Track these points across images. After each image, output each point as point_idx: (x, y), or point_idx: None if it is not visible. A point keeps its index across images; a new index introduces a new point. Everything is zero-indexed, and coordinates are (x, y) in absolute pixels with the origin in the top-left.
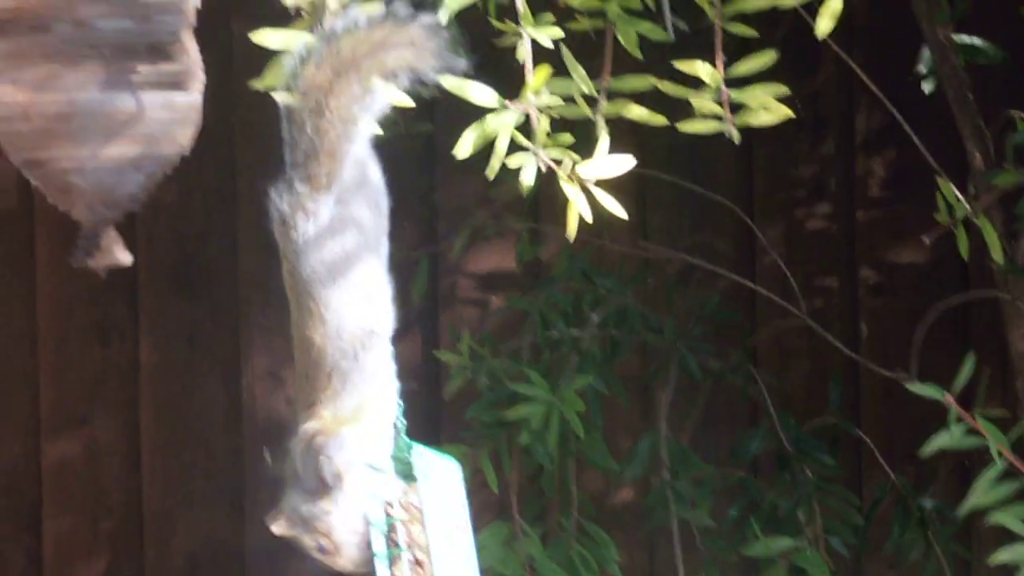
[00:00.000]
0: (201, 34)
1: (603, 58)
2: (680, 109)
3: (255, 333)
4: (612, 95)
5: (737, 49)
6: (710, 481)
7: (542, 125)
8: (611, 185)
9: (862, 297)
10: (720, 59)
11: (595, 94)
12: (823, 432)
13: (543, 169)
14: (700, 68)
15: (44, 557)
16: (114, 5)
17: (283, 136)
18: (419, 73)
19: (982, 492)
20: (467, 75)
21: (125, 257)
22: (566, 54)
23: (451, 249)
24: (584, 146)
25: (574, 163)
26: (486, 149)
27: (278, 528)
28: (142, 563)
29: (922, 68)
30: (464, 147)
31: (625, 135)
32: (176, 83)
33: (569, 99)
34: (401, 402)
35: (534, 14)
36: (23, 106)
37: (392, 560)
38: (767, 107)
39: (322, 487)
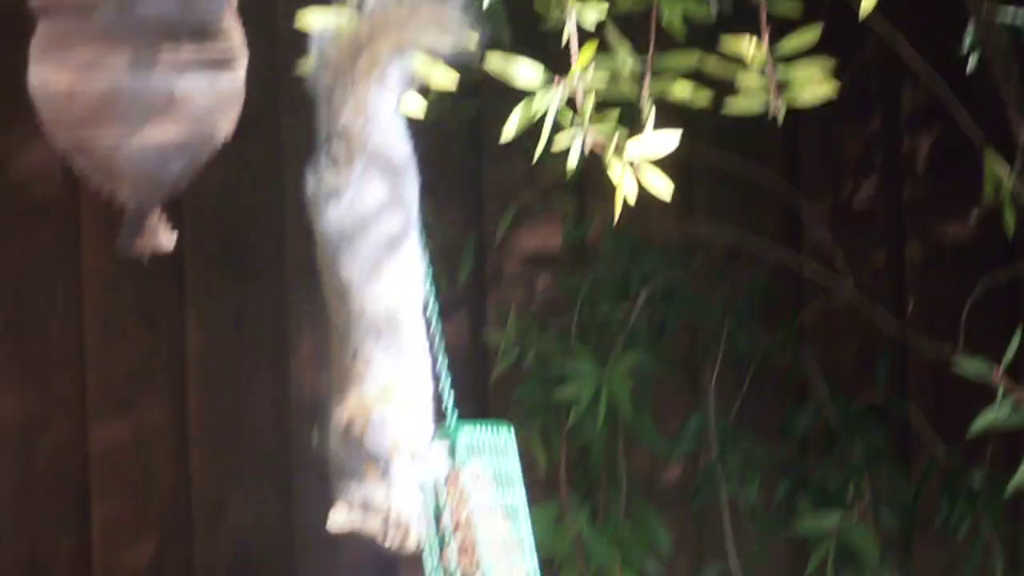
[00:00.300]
0: (246, 16)
1: (647, 37)
2: (726, 87)
3: (302, 316)
4: (657, 73)
5: (778, 31)
6: (758, 458)
7: (588, 103)
8: (657, 162)
9: (909, 273)
10: (766, 36)
11: (641, 72)
12: (871, 408)
13: (589, 148)
14: (746, 45)
15: (92, 541)
16: None
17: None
18: (440, 51)
19: None
20: (510, 53)
21: (170, 241)
22: (611, 30)
23: (497, 229)
24: (629, 127)
25: (620, 142)
26: (532, 128)
27: (339, 523)
28: (191, 547)
29: (967, 44)
30: (510, 128)
31: (670, 113)
32: (220, 65)
33: (614, 79)
34: (448, 379)
35: None
36: (67, 89)
37: (441, 547)
38: (813, 83)
39: (371, 470)
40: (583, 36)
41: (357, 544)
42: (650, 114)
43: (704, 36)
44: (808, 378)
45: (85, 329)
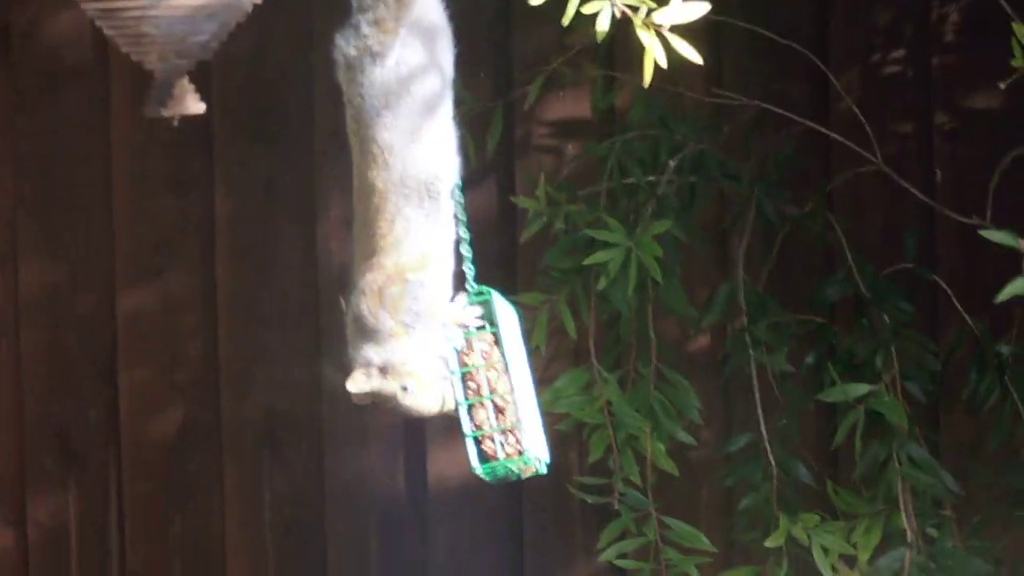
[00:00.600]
0: None
1: None
2: None
3: (331, 182)
4: None
5: None
6: (787, 327)
7: None
8: (686, 31)
9: (937, 143)
10: None
11: None
12: (900, 278)
13: (618, 15)
14: None
15: (120, 407)
16: None
17: None
18: None
19: None
20: None
21: (198, 107)
22: None
23: (526, 97)
24: None
25: (649, 9)
26: None
27: (355, 386)
28: (219, 414)
29: None
30: None
31: None
32: None
33: None
34: (471, 250)
35: None
36: None
37: (472, 408)
38: None
39: (399, 334)
40: None
41: (384, 412)
42: None
43: None
44: (837, 247)
45: (114, 196)
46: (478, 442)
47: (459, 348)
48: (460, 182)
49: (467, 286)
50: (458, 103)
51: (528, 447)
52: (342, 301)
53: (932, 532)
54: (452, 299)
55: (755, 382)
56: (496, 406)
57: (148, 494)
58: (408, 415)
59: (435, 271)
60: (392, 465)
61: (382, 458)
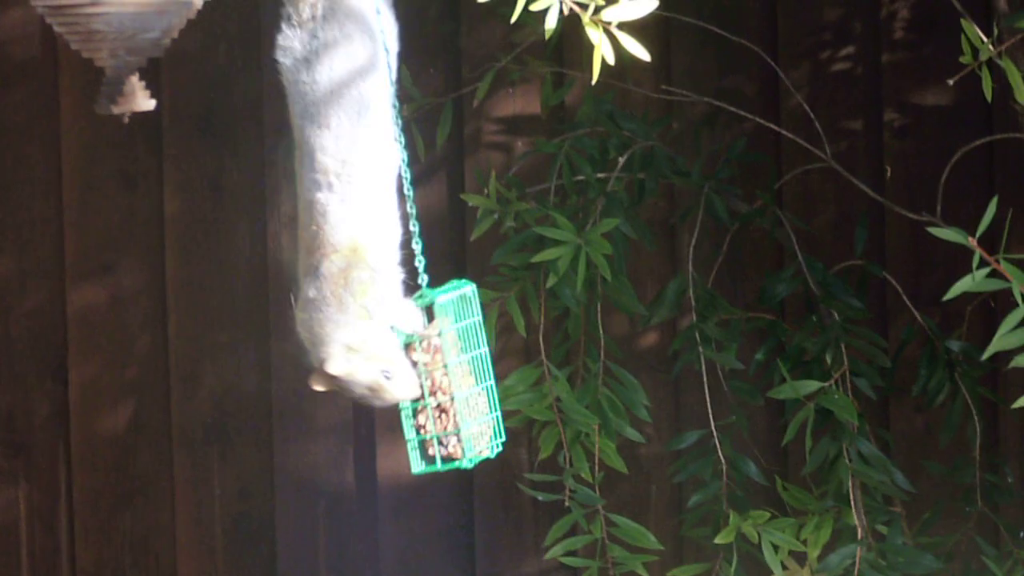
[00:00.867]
0: None
1: None
2: None
3: (280, 178)
4: None
5: None
6: (737, 324)
7: None
8: (635, 28)
9: (887, 139)
10: None
11: None
12: (849, 274)
13: (566, 12)
14: None
15: (70, 403)
16: None
17: None
18: None
19: (1005, 335)
20: None
21: (148, 103)
22: None
23: (476, 94)
24: None
25: (597, 6)
26: None
27: (336, 367)
28: (168, 409)
29: None
30: None
31: None
32: None
33: None
34: (421, 244)
35: None
36: None
37: (416, 410)
38: None
39: (363, 314)
40: None
41: (333, 407)
42: None
43: None
44: (787, 244)
45: (63, 192)
46: (420, 444)
47: (409, 339)
48: (409, 177)
49: (419, 281)
50: (407, 99)
51: (468, 449)
52: (292, 298)
53: (882, 529)
54: (401, 297)
55: (704, 379)
56: (440, 407)
57: (98, 489)
58: (374, 402)
59: (372, 260)
60: (341, 460)
61: (331, 453)
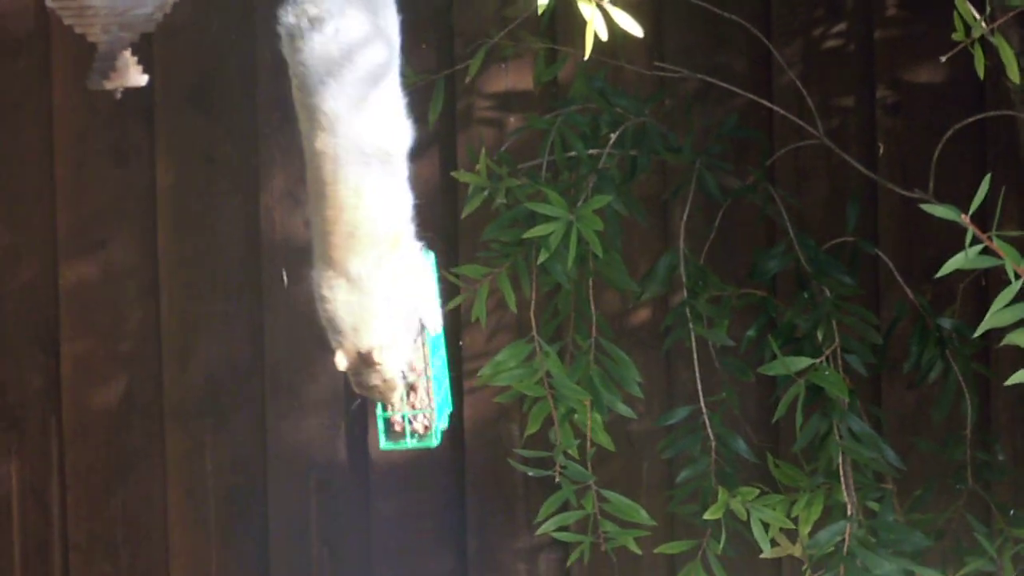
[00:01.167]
0: None
1: None
2: None
3: (274, 153)
4: None
5: None
6: (728, 300)
7: None
8: (627, 4)
9: (879, 116)
10: None
11: None
12: (841, 251)
13: None
14: None
15: (62, 378)
16: None
17: None
18: None
19: (998, 312)
20: None
21: (141, 78)
22: None
23: (468, 70)
24: None
25: None
26: None
27: (382, 358)
28: (161, 385)
29: None
30: None
31: None
32: None
33: None
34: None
35: None
36: None
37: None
38: None
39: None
40: None
41: (326, 381)
42: None
43: None
44: (778, 220)
45: (55, 167)
46: (386, 420)
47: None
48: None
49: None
50: (400, 75)
51: (437, 427)
52: (284, 273)
53: (873, 506)
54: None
55: (695, 355)
56: (411, 385)
57: (90, 464)
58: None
59: (409, 244)
60: (334, 434)
61: (324, 427)
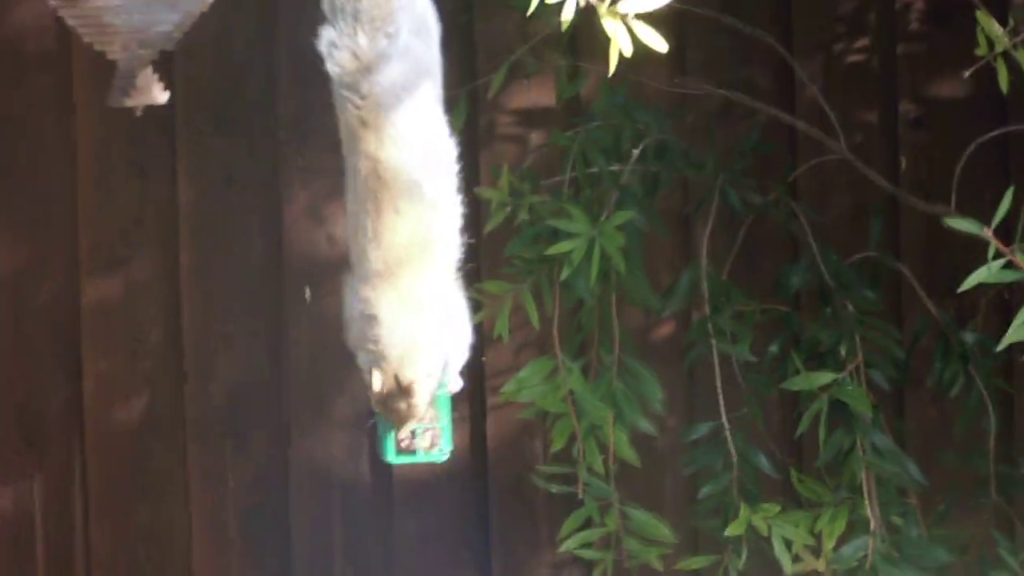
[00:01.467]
0: None
1: None
2: None
3: (294, 172)
4: None
5: None
6: (751, 316)
7: None
8: (650, 19)
9: (902, 131)
10: None
11: None
12: (864, 266)
13: (582, 3)
14: None
15: (84, 396)
16: None
17: None
18: None
19: (1021, 326)
20: None
21: (162, 96)
22: None
23: (490, 86)
24: None
25: None
26: None
27: (421, 389)
28: (182, 403)
29: None
30: None
31: None
32: None
33: None
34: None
35: None
36: None
37: None
38: None
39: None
40: None
41: (348, 398)
42: None
43: None
44: (801, 235)
45: (77, 185)
46: (394, 435)
47: None
48: None
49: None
50: None
51: (447, 441)
52: (307, 290)
53: (896, 521)
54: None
55: (717, 370)
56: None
57: (112, 481)
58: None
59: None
60: (356, 451)
61: (346, 445)
